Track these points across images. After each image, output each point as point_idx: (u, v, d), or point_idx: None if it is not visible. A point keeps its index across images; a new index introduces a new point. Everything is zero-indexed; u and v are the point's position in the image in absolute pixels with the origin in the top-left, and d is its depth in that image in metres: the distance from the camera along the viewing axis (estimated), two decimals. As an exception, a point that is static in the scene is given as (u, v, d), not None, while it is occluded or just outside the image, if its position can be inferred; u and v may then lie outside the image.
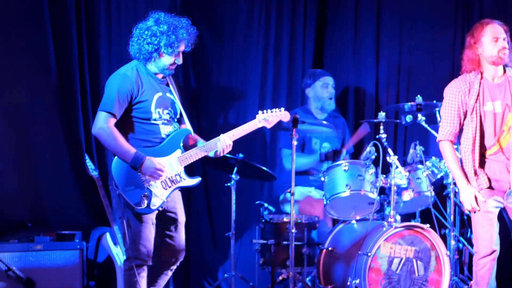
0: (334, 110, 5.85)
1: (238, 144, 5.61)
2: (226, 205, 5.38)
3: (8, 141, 5.16)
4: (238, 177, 5.19)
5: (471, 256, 5.44)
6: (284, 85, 6.23)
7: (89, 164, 5.24)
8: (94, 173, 5.24)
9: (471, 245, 5.44)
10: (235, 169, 5.18)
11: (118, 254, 5.16)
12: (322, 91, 5.72)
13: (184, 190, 5.82)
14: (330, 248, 5.03)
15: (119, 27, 5.52)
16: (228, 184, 5.21)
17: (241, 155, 5.14)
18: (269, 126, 4.41)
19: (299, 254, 5.08)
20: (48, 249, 4.95)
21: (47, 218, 5.25)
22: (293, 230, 4.81)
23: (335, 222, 5.43)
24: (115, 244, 5.19)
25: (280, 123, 4.54)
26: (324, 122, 5.64)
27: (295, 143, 4.85)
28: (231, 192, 5.20)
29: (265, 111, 4.41)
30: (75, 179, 5.32)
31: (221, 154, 4.31)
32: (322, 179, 5.15)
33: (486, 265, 4.31)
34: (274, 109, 4.44)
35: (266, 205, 5.26)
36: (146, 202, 4.07)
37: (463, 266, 5.53)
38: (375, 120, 5.22)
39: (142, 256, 4.14)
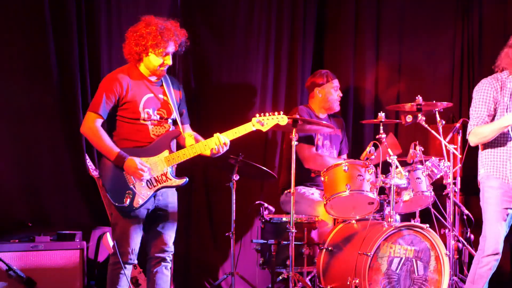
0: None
1: (238, 144, 5.64)
2: (226, 205, 5.39)
3: (8, 141, 5.18)
4: (238, 177, 5.19)
5: (470, 256, 5.45)
6: (284, 85, 6.24)
7: (90, 164, 5.25)
8: (95, 173, 5.25)
9: (471, 245, 5.45)
10: (235, 169, 5.19)
11: (119, 253, 5.17)
12: (333, 93, 5.74)
13: (185, 190, 5.87)
14: (330, 248, 5.03)
15: (120, 28, 5.52)
16: (228, 184, 5.22)
17: (241, 155, 5.15)
18: (264, 129, 4.41)
19: (299, 254, 5.09)
20: (48, 248, 4.95)
21: (47, 217, 5.26)
22: (293, 230, 4.82)
23: (335, 222, 5.44)
24: (115, 243, 5.20)
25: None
26: (324, 122, 5.66)
27: (294, 143, 4.86)
28: (231, 192, 5.21)
29: (262, 114, 4.39)
30: (76, 178, 5.32)
31: (219, 153, 4.33)
32: (322, 178, 5.16)
33: (488, 264, 4.33)
34: (271, 113, 4.42)
35: (266, 205, 5.27)
36: (128, 200, 4.18)
37: (462, 266, 5.54)
38: (375, 120, 5.23)
39: (126, 254, 4.24)
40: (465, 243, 5.45)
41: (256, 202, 5.33)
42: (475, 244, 5.50)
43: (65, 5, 5.27)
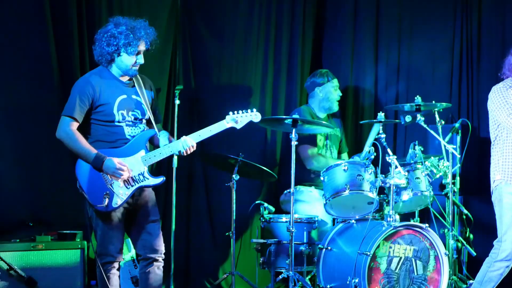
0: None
1: (238, 144, 5.67)
2: (226, 205, 5.40)
3: (9, 141, 5.19)
4: (238, 177, 5.21)
5: (470, 255, 5.46)
6: (283, 85, 6.26)
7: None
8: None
9: (470, 245, 5.47)
10: (235, 169, 5.20)
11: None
12: (333, 93, 5.77)
13: (185, 190, 5.89)
14: (330, 248, 5.04)
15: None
16: (228, 184, 5.23)
17: (241, 155, 5.17)
18: (238, 127, 4.45)
19: (299, 253, 5.11)
20: (49, 248, 4.96)
21: (48, 217, 5.28)
22: (293, 230, 4.84)
23: (335, 222, 5.46)
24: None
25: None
26: (324, 122, 5.67)
27: (294, 143, 4.87)
28: (231, 192, 5.22)
29: (235, 112, 4.44)
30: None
31: (185, 154, 4.35)
32: (322, 178, 5.17)
33: (500, 269, 4.31)
34: (245, 110, 4.47)
35: (266, 205, 5.28)
36: (107, 201, 4.20)
37: (461, 265, 5.55)
38: (374, 120, 5.24)
39: (112, 253, 4.28)
40: (464, 242, 5.47)
41: (256, 202, 5.35)
42: (474, 244, 5.52)
43: (67, 6, 5.28)
